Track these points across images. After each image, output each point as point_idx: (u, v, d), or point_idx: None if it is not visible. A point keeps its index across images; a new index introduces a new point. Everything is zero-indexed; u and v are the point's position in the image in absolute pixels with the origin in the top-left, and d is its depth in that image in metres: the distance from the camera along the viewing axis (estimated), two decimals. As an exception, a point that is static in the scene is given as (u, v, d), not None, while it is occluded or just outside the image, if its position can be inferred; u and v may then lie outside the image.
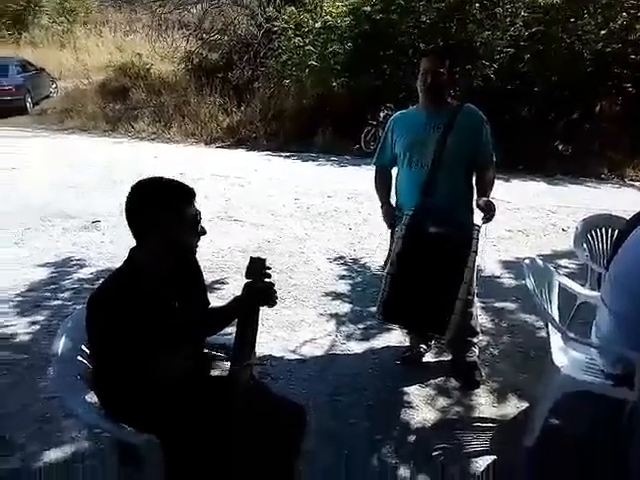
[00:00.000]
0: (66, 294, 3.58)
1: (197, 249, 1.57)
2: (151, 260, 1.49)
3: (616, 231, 2.76)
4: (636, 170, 7.58)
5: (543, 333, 2.42)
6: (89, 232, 4.81)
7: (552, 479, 2.03)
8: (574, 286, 2.57)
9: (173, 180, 1.50)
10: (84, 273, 3.92)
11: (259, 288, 1.56)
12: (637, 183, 7.34)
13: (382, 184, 2.65)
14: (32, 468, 2.06)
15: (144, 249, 1.49)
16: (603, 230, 2.90)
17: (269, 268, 1.58)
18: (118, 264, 1.55)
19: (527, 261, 2.32)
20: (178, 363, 1.46)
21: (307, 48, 9.29)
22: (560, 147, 7.94)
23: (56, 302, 3.46)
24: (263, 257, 1.58)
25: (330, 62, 9.14)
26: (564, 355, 2.18)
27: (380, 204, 2.63)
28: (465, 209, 2.49)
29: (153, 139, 10.00)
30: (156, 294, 1.48)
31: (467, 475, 2.06)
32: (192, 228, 1.49)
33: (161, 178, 1.50)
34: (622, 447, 1.98)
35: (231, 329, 1.65)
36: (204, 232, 1.53)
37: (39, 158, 7.81)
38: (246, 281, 1.57)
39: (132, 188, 1.46)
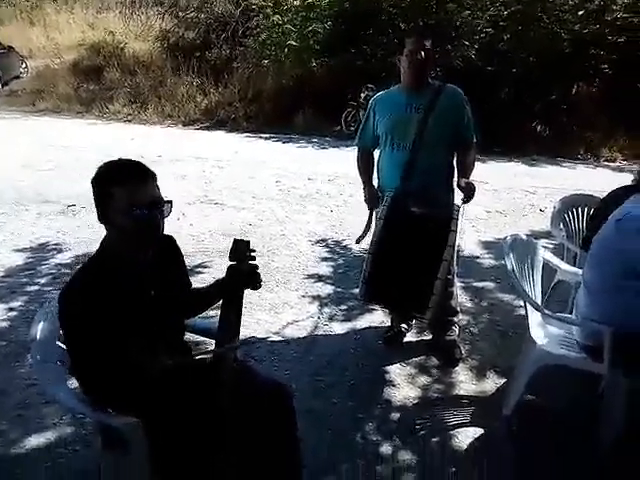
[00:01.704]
0: (43, 279, 3.52)
1: (161, 230, 1.50)
2: (118, 245, 1.47)
3: (591, 210, 2.83)
4: (611, 150, 7.72)
5: (521, 311, 2.47)
6: (65, 216, 4.71)
7: (528, 449, 2.10)
8: (557, 262, 2.62)
9: (131, 161, 1.47)
10: (61, 258, 3.84)
11: (243, 270, 1.54)
12: (612, 163, 7.48)
13: (364, 165, 2.64)
14: (14, 454, 2.04)
15: (110, 234, 1.48)
16: (579, 210, 2.96)
17: (253, 250, 1.57)
18: (95, 248, 1.52)
19: (508, 238, 2.34)
20: (157, 350, 1.45)
21: (286, 27, 9.14)
22: (538, 128, 8.02)
23: (33, 287, 3.39)
24: (246, 239, 1.56)
25: (310, 41, 9.01)
26: (542, 330, 2.24)
27: (362, 185, 2.63)
28: (446, 189, 2.51)
29: (129, 120, 9.76)
30: (128, 281, 1.46)
31: (448, 448, 2.12)
32: (150, 206, 1.42)
33: (119, 160, 1.47)
34: (595, 418, 2.06)
35: (213, 312, 1.64)
36: (167, 214, 1.48)
37: (11, 141, 7.57)
38: (230, 263, 1.56)
39: (95, 172, 1.45)
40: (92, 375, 1.41)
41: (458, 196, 2.43)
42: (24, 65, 13.21)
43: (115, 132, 8.66)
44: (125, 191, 1.40)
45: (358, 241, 2.65)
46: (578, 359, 2.07)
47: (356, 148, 2.69)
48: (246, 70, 10.05)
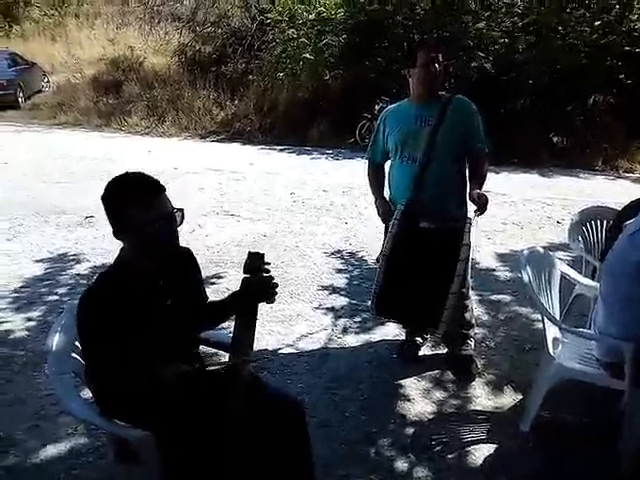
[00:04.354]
0: (62, 290, 3.57)
1: (178, 240, 1.51)
2: (134, 257, 1.48)
3: (610, 223, 2.78)
4: (630, 162, 7.60)
5: (539, 325, 2.43)
6: (83, 227, 4.79)
7: (546, 465, 2.05)
8: (575, 275, 2.57)
9: (137, 173, 1.47)
10: (79, 269, 3.90)
11: (257, 283, 1.55)
12: (631, 174, 7.36)
13: (375, 179, 2.64)
14: (29, 465, 2.06)
15: (126, 246, 1.49)
16: (597, 222, 2.90)
17: (268, 263, 1.57)
18: (113, 259, 1.54)
19: (525, 251, 2.31)
20: (173, 365, 1.45)
21: (301, 40, 9.24)
22: (555, 139, 7.94)
23: (52, 297, 3.44)
24: (261, 251, 1.57)
25: (324, 55, 9.10)
26: (559, 344, 2.20)
27: (374, 199, 2.62)
28: (457, 202, 2.48)
29: (147, 133, 9.94)
30: (145, 291, 1.47)
31: (464, 465, 2.08)
32: (163, 220, 1.43)
33: (126, 173, 1.47)
34: (615, 434, 2.00)
35: (227, 324, 1.63)
36: (180, 222, 1.48)
37: (31, 153, 7.75)
38: (244, 276, 1.56)
39: (104, 189, 1.45)
40: (104, 383, 1.42)
41: (471, 208, 2.41)
42: (46, 80, 13.57)
43: (133, 144, 8.81)
44: (138, 208, 1.40)
45: (378, 260, 2.51)
46: (597, 375, 2.03)
47: (367, 161, 2.69)
48: (262, 83, 10.17)
